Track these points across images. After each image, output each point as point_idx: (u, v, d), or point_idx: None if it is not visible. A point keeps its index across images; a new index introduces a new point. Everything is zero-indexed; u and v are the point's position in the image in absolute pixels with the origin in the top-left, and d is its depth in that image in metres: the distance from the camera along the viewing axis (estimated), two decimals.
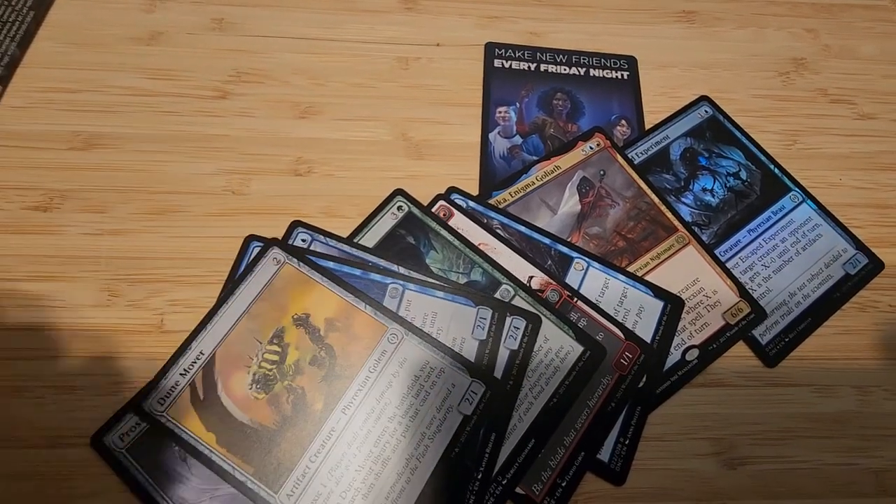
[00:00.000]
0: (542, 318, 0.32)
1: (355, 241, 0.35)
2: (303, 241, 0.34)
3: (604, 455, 0.30)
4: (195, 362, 0.30)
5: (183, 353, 0.30)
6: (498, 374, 0.31)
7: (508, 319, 0.32)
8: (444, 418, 0.30)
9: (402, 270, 0.33)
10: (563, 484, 0.30)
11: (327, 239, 0.34)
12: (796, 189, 0.38)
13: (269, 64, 0.40)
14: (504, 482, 0.29)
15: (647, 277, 0.35)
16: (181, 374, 0.30)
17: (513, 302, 0.33)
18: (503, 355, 0.31)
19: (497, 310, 0.32)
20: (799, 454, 0.31)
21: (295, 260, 0.33)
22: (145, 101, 0.38)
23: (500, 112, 0.40)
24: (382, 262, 0.33)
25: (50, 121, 0.37)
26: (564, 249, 0.35)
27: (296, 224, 0.34)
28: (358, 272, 0.33)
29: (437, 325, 0.32)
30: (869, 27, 0.46)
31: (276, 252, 0.33)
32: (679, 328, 0.33)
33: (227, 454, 0.29)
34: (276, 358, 0.31)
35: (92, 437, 0.29)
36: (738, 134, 0.40)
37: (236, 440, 0.29)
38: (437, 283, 0.33)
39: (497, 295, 0.33)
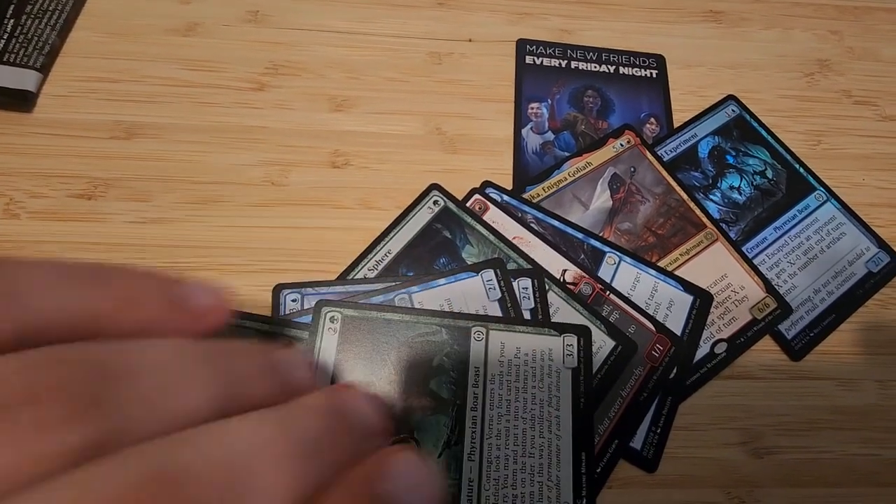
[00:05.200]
0: (575, 311, 0.33)
1: (392, 234, 0.35)
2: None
3: (636, 443, 0.31)
4: None
5: None
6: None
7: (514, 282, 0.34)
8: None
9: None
10: (598, 470, 0.31)
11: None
12: (821, 188, 0.39)
13: (304, 57, 0.41)
14: None
15: (677, 272, 0.36)
16: None
17: (547, 295, 0.34)
18: None
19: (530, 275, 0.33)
20: (823, 444, 0.32)
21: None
22: (184, 91, 0.39)
23: (532, 108, 0.41)
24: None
25: (91, 110, 0.37)
26: (597, 244, 0.36)
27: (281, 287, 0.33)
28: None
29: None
30: (891, 30, 0.46)
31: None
32: (708, 322, 0.34)
33: None
34: None
35: None
36: (764, 133, 0.41)
37: None
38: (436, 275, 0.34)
39: None
